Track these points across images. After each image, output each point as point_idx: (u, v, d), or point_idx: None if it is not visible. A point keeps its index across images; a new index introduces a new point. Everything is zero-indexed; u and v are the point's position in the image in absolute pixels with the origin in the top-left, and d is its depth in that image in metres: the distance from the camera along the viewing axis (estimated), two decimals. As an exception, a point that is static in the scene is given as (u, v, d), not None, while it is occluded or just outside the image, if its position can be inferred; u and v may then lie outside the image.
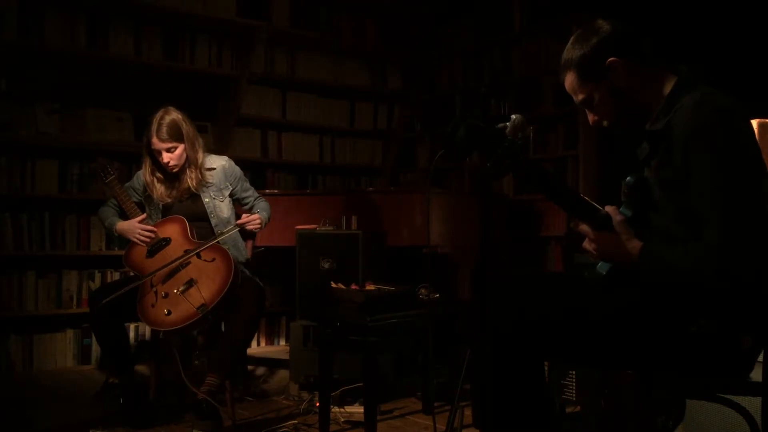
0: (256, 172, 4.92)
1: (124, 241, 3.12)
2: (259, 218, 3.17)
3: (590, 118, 1.82)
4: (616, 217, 1.71)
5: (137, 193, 3.24)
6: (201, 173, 3.15)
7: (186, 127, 3.08)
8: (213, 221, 3.17)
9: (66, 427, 2.95)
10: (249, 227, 3.14)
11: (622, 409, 2.47)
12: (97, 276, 4.24)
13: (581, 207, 1.74)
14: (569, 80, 1.79)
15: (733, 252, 1.51)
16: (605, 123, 1.80)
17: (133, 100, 4.48)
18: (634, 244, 1.65)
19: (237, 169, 3.32)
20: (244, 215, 3.18)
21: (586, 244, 1.77)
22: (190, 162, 3.13)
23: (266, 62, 4.86)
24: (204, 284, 2.81)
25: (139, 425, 2.87)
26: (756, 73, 3.35)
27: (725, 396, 1.66)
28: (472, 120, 1.74)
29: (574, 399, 2.70)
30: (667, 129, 1.65)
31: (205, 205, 3.17)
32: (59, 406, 3.25)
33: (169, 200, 3.15)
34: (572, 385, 2.70)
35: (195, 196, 3.18)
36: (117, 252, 4.24)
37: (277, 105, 5.09)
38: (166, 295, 2.81)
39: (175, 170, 3.11)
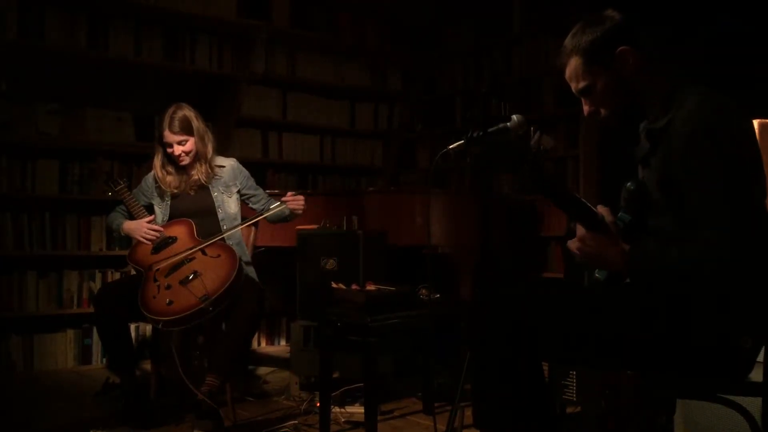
0: (256, 172, 4.86)
1: (125, 242, 3.14)
2: (303, 198, 3.16)
3: (585, 108, 1.80)
4: (608, 217, 1.70)
5: (145, 195, 3.28)
6: (210, 167, 3.21)
7: (196, 123, 3.16)
8: (220, 215, 3.21)
9: (66, 427, 2.95)
10: (292, 206, 3.13)
11: (622, 409, 2.47)
12: (98, 276, 4.24)
13: (583, 211, 1.74)
14: (572, 66, 1.76)
15: (733, 251, 1.51)
16: (602, 113, 1.78)
17: (133, 101, 4.49)
18: (624, 246, 1.64)
19: (245, 170, 3.38)
20: (289, 193, 3.18)
21: (571, 244, 1.75)
22: (199, 156, 3.19)
23: (266, 62, 4.85)
24: (208, 276, 2.82)
25: (139, 425, 2.87)
26: (756, 74, 3.35)
27: (725, 396, 1.66)
28: (498, 137, 1.74)
29: (575, 399, 2.70)
30: (668, 127, 1.65)
31: (214, 199, 3.22)
32: (60, 406, 3.25)
33: (177, 191, 3.20)
34: (573, 386, 2.70)
35: (203, 190, 3.22)
36: (118, 252, 4.25)
37: (277, 105, 5.09)
38: (169, 287, 2.82)
39: (185, 163, 3.16)
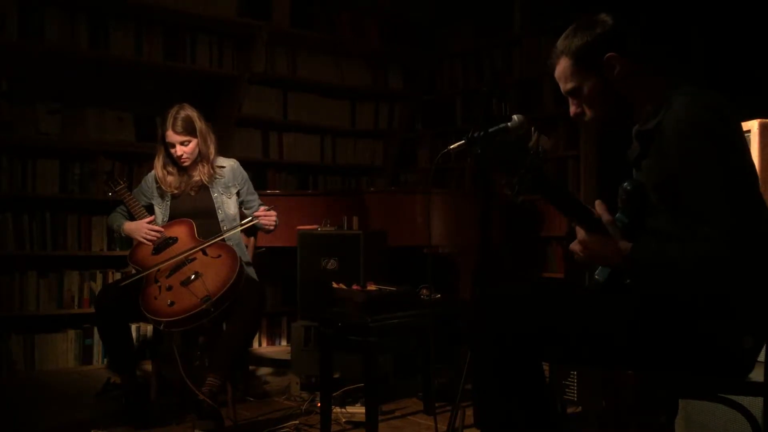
0: (257, 172, 4.92)
1: (126, 243, 3.13)
2: (276, 215, 3.17)
3: (572, 109, 1.82)
4: (605, 216, 1.70)
5: (146, 195, 3.28)
6: (212, 168, 3.21)
7: (199, 123, 3.16)
8: (219, 216, 3.21)
9: (67, 427, 2.96)
10: (263, 222, 3.13)
11: (622, 409, 2.48)
12: (99, 276, 4.24)
13: (581, 213, 1.74)
14: (562, 67, 1.78)
15: (735, 248, 1.50)
16: (588, 115, 1.80)
17: (133, 100, 4.49)
18: (624, 245, 1.64)
19: (244, 172, 3.37)
20: (261, 208, 3.18)
21: (574, 245, 1.76)
22: (201, 157, 3.19)
23: (267, 62, 4.85)
24: (209, 277, 2.82)
25: (140, 425, 2.87)
26: (756, 73, 3.35)
27: (726, 396, 1.66)
28: (498, 137, 1.74)
29: (576, 399, 2.70)
30: (659, 128, 1.65)
31: (214, 200, 3.22)
32: (60, 406, 3.25)
33: (177, 191, 3.20)
34: (573, 386, 2.70)
35: (204, 191, 3.22)
36: (118, 252, 4.25)
37: (278, 105, 5.09)
38: (170, 288, 2.82)
39: (186, 164, 3.16)
